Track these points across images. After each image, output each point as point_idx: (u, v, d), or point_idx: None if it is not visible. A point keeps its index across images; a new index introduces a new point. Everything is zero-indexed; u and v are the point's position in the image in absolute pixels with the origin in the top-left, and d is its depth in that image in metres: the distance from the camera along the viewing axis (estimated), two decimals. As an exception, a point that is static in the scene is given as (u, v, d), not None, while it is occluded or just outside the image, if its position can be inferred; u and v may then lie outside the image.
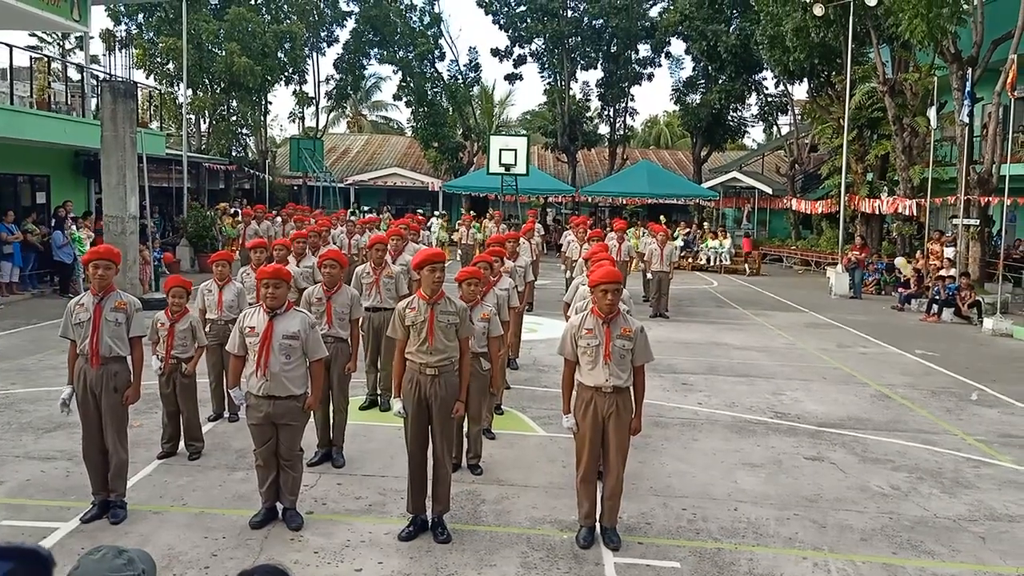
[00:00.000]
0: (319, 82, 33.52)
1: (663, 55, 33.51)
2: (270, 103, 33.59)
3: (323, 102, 34.52)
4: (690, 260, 25.10)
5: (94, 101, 18.52)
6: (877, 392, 9.69)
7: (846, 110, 21.24)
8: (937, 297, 16.18)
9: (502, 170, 23.55)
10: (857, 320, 15.44)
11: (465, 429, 6.34)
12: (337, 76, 33.43)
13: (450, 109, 32.79)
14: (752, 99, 32.68)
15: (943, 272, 17.02)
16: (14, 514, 5.40)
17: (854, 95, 22.11)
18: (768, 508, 5.91)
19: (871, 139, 23.84)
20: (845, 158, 21.57)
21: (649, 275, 15.44)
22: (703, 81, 32.45)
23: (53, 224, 16.48)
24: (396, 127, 47.25)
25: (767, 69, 28.35)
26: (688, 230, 27.05)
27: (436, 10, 32.92)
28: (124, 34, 27.21)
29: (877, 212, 22.85)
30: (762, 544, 5.30)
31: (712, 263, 25.03)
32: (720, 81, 30.98)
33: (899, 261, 19.93)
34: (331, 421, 6.58)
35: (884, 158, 23.16)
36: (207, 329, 7.19)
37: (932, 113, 19.36)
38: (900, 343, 13.00)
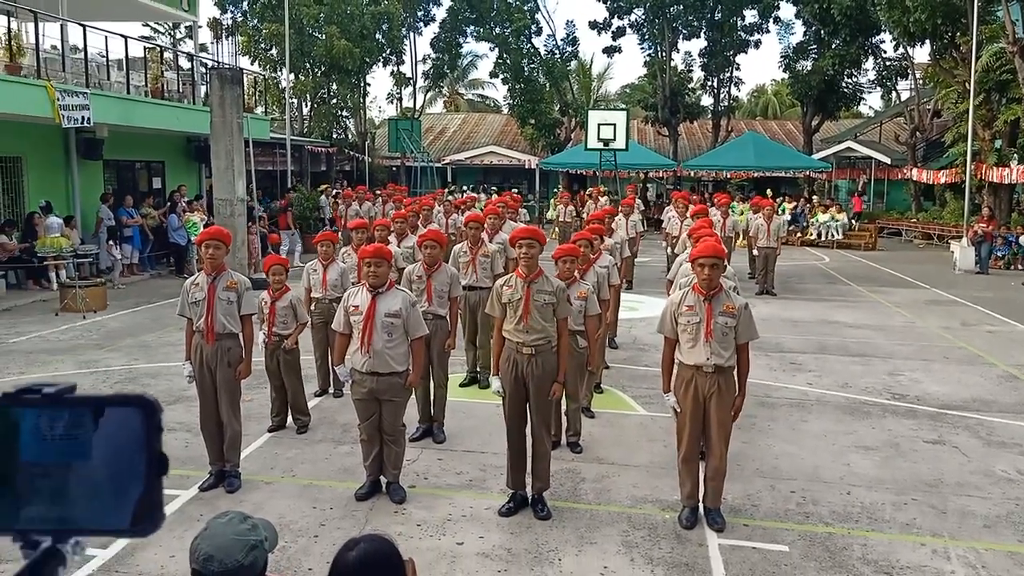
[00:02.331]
0: (416, 62, 33.93)
1: (771, 20, 31.94)
2: (369, 85, 34.22)
3: (420, 82, 34.94)
4: (799, 235, 24.11)
5: (203, 88, 19.30)
6: (1005, 373, 9.06)
7: (972, 73, 19.75)
8: (1074, 271, 14.97)
9: (600, 145, 23.19)
10: (983, 297, 14.46)
11: (563, 407, 6.30)
12: (434, 55, 33.65)
13: (547, 85, 32.47)
14: (868, 64, 30.86)
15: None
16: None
17: (981, 57, 20.53)
18: (884, 492, 5.62)
19: (1000, 103, 22.13)
20: (971, 124, 20.10)
21: (755, 251, 14.94)
22: (815, 46, 30.81)
23: (169, 207, 17.38)
24: (492, 105, 47.30)
25: (885, 31, 26.65)
26: (795, 204, 25.96)
27: (533, -16, 32.62)
28: (230, 22, 28.30)
29: (1006, 181, 21.29)
30: (877, 530, 5.05)
31: (823, 238, 23.97)
32: (833, 46, 29.34)
33: None
34: (432, 397, 6.68)
35: (1014, 124, 21.47)
36: (312, 307, 7.41)
37: (1068, 73, 17.82)
38: (1031, 320, 12.12)
